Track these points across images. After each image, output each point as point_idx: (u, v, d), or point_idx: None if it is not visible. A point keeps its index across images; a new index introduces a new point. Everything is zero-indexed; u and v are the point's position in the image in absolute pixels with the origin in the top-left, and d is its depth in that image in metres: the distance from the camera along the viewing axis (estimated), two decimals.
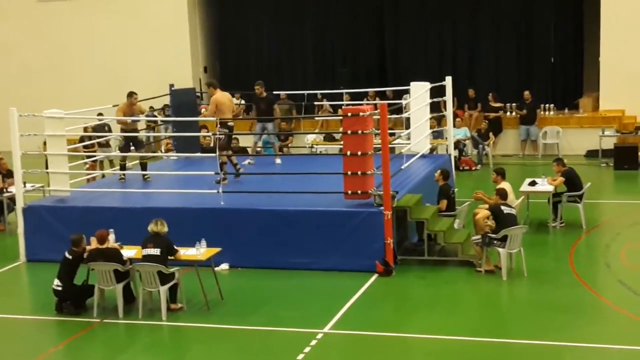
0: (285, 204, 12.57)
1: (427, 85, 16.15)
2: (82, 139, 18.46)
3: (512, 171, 16.91)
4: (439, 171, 13.51)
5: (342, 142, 12.78)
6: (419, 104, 15.84)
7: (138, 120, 15.07)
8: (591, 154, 21.14)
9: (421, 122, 15.89)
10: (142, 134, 16.75)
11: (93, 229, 11.04)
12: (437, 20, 23.93)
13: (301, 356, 9.20)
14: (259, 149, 17.61)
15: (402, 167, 13.96)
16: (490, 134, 21.40)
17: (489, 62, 23.63)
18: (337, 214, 12.27)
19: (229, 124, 14.22)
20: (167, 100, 18.30)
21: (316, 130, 22.04)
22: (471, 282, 11.66)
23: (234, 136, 18.07)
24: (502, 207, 11.82)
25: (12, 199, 14.97)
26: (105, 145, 19.32)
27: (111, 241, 11.07)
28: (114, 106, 16.75)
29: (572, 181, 14.27)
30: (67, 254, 10.88)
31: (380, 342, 9.69)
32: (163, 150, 19.14)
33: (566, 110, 22.56)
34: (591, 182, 15.03)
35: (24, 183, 14.02)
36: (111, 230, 11.27)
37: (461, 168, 20.05)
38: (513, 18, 23.40)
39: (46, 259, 12.52)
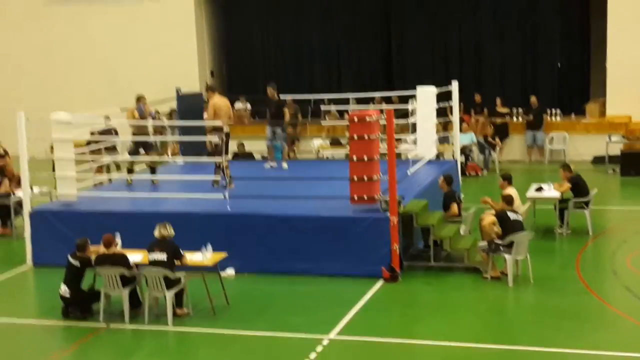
0: (292, 209, 12.58)
1: (433, 90, 16.13)
2: (88, 143, 18.48)
3: (518, 177, 16.89)
4: (441, 177, 13.50)
5: (348, 147, 12.79)
6: (425, 109, 15.82)
7: (146, 122, 15.09)
8: (598, 160, 21.10)
9: (427, 127, 15.87)
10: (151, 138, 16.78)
11: (99, 234, 11.06)
12: (443, 25, 23.90)
13: None
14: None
15: (409, 173, 13.95)
16: (497, 139, 21.37)
17: (495, 67, 23.59)
18: (343, 220, 12.27)
19: (225, 130, 14.25)
20: (173, 104, 18.33)
21: (322, 135, 22.04)
22: (477, 288, 11.65)
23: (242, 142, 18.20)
24: (509, 213, 11.80)
25: (19, 203, 15.00)
26: (112, 149, 19.32)
27: (117, 246, 11.07)
28: (121, 109, 16.85)
29: (579, 187, 14.24)
30: (71, 259, 10.88)
31: (386, 348, 9.69)
32: (169, 155, 19.14)
33: (573, 116, 22.52)
34: (598, 188, 15.00)
35: (31, 187, 14.05)
36: (117, 234, 11.28)
37: (467, 174, 20.03)
38: (519, 23, 23.37)
39: (53, 264, 12.51)
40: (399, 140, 16.43)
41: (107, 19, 25.28)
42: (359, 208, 12.31)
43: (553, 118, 22.27)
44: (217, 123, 14.18)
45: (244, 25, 25.38)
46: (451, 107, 17.15)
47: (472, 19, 23.73)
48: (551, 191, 14.32)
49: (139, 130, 14.91)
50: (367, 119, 12.17)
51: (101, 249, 10.90)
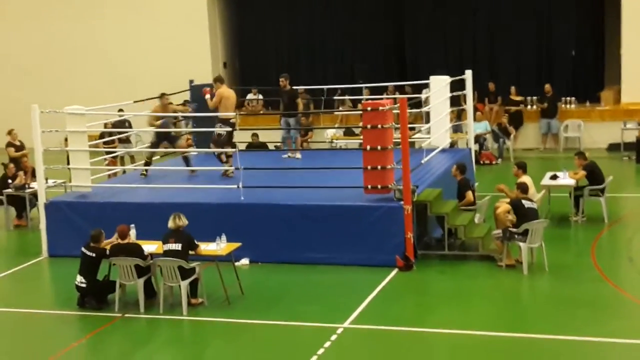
0: (305, 199, 12.58)
1: (447, 79, 16.08)
2: (102, 135, 18.58)
3: (533, 165, 16.78)
4: (455, 166, 13.47)
5: (362, 137, 12.77)
6: (439, 97, 15.78)
7: (172, 119, 15.31)
8: (613, 148, 20.98)
9: (441, 116, 15.83)
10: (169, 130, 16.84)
11: (114, 225, 11.10)
12: (457, 14, 23.82)
13: (321, 351, 9.21)
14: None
15: (422, 162, 13.92)
16: (511, 128, 21.29)
17: (509, 55, 23.49)
18: (357, 209, 12.26)
19: (231, 120, 14.27)
20: (186, 95, 18.35)
21: (336, 125, 22.01)
22: (492, 276, 11.62)
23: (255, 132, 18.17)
24: (523, 201, 11.75)
25: (34, 195, 15.10)
26: (126, 141, 19.41)
27: (132, 237, 11.13)
28: (134, 102, 16.91)
29: (594, 175, 14.17)
30: (85, 250, 10.93)
31: (400, 337, 9.69)
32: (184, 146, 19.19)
33: (587, 104, 22.39)
34: (613, 175, 14.92)
35: (46, 179, 14.12)
36: (132, 225, 11.34)
37: (482, 162, 19.97)
38: (533, 11, 23.24)
39: (68, 254, 12.59)
40: (412, 129, 16.39)
41: (120, 12, 25.33)
42: (373, 197, 12.30)
43: (568, 106, 22.18)
44: (230, 114, 14.20)
45: (257, 17, 25.38)
46: (465, 96, 17.09)
47: (487, 8, 23.61)
48: (566, 179, 14.25)
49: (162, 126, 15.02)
50: (381, 108, 12.14)
51: (116, 239, 10.95)
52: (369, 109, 12.27)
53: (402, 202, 11.97)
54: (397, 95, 19.25)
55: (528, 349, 9.26)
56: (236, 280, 11.13)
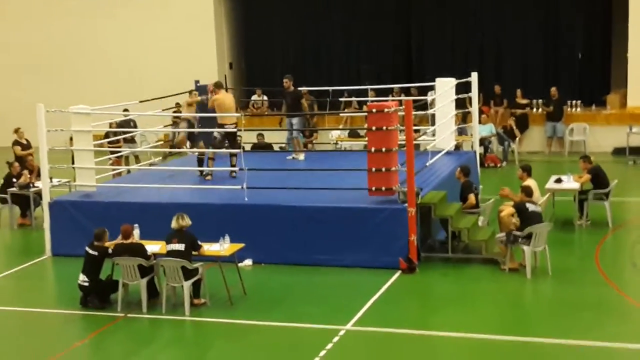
0: (309, 201, 12.57)
1: (452, 81, 16.06)
2: (107, 135, 18.60)
3: (537, 168, 16.76)
4: (458, 168, 13.44)
5: (366, 139, 12.75)
6: (444, 100, 15.76)
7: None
8: (618, 152, 20.92)
9: (446, 118, 15.82)
10: (170, 130, 16.82)
11: (118, 224, 11.12)
12: (463, 16, 23.79)
13: (323, 352, 9.20)
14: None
15: (427, 164, 13.90)
16: (516, 131, 21.25)
17: (515, 58, 23.44)
18: (360, 211, 12.25)
19: (225, 126, 14.24)
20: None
21: (340, 127, 22.01)
22: (495, 280, 11.59)
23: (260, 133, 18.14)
24: (527, 205, 11.73)
25: (38, 194, 15.12)
26: (131, 141, 19.43)
27: (136, 236, 11.14)
28: (140, 102, 16.92)
29: (599, 179, 14.14)
30: (89, 249, 10.95)
31: (403, 339, 9.67)
32: (188, 147, 19.17)
33: (593, 107, 22.34)
34: (618, 179, 14.86)
35: (51, 178, 14.14)
36: (136, 225, 11.36)
37: (486, 165, 19.94)
38: (540, 13, 23.20)
39: (72, 254, 12.60)
40: (417, 131, 16.37)
41: (126, 11, 25.35)
42: (377, 199, 12.28)
43: (573, 109, 22.12)
44: (226, 121, 14.20)
45: (263, 18, 25.38)
46: (470, 99, 17.06)
47: (493, 11, 23.57)
48: (571, 182, 14.22)
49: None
50: (386, 110, 12.12)
51: (119, 239, 10.97)
52: (374, 110, 12.26)
53: (406, 205, 11.95)
54: (403, 97, 19.22)
55: (531, 352, 9.25)
56: (239, 281, 11.13)
